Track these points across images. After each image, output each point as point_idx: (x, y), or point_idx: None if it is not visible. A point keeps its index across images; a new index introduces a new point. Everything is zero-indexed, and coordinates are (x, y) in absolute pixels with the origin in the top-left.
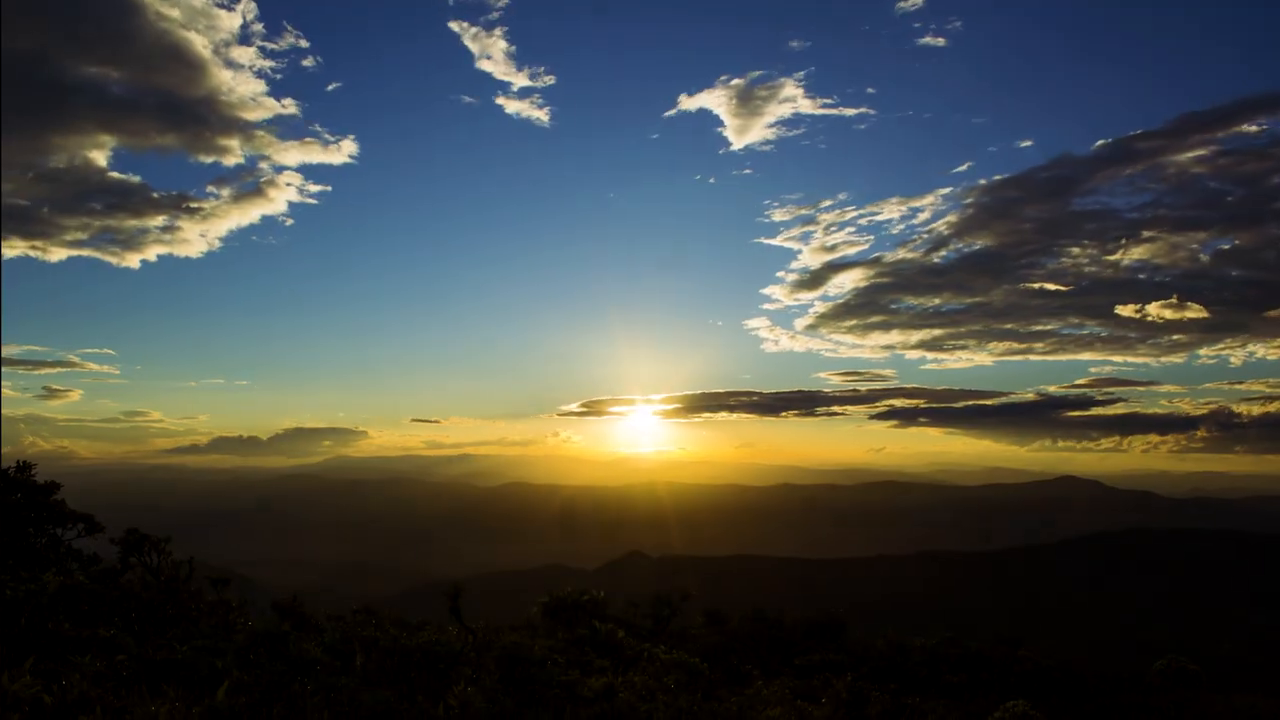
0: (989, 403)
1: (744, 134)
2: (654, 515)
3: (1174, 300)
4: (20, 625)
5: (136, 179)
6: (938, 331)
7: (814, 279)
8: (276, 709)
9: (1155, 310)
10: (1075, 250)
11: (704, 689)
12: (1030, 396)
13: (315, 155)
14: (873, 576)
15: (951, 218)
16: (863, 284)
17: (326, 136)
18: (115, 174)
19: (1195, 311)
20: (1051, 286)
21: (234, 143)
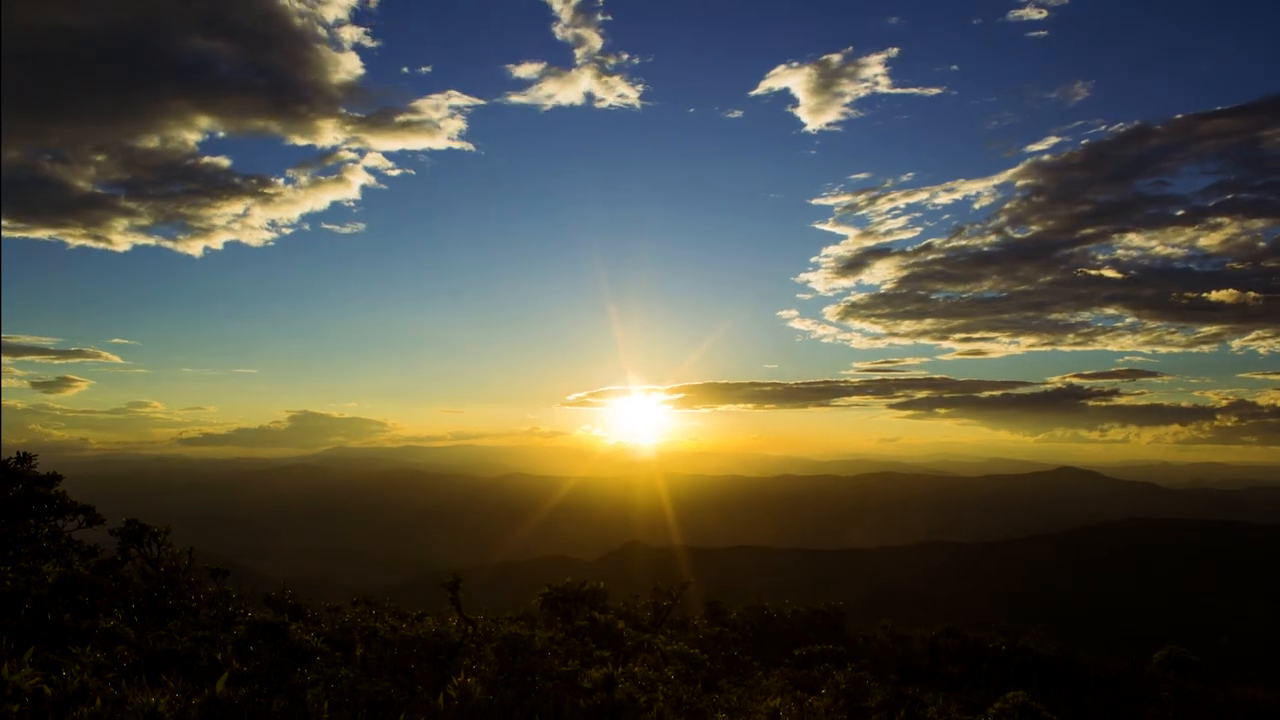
0: (1016, 392)
1: (820, 114)
2: (653, 506)
3: (1233, 290)
4: (20, 616)
5: (225, 162)
6: (972, 320)
7: (854, 265)
8: (276, 700)
9: (1217, 298)
10: (1132, 236)
11: (704, 680)
12: (1057, 386)
13: (408, 140)
14: (872, 568)
15: (1010, 204)
16: (903, 272)
17: (430, 116)
18: (205, 158)
19: (1253, 299)
20: (1107, 274)
21: (330, 124)
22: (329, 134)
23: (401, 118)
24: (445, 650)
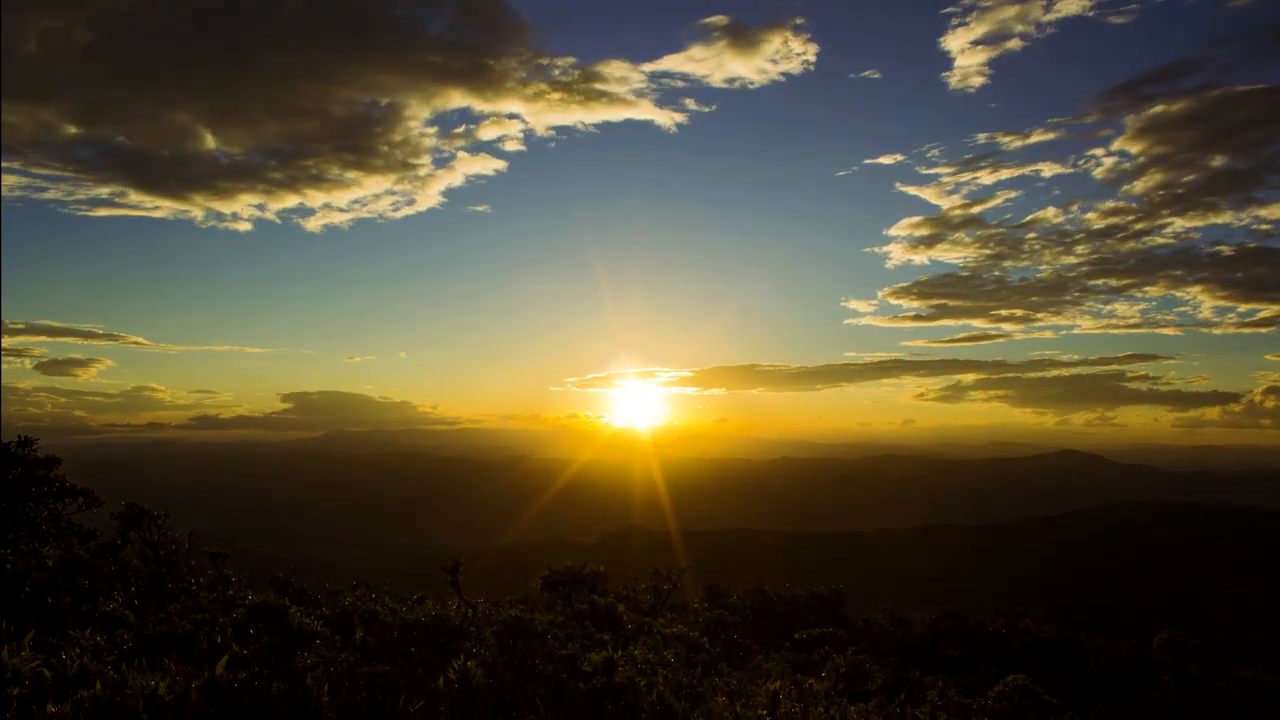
0: (1067, 374)
1: (968, 77)
2: (653, 490)
3: None
4: (20, 599)
5: (393, 132)
6: (1040, 299)
7: (933, 239)
8: (276, 683)
9: None
10: (1240, 212)
11: (704, 663)
12: (1111, 368)
13: (600, 112)
14: (872, 550)
15: (1131, 176)
16: (985, 250)
17: (617, 89)
18: (378, 128)
19: None
20: (1204, 250)
21: (523, 93)
22: (515, 104)
23: (591, 85)
24: (445, 634)
